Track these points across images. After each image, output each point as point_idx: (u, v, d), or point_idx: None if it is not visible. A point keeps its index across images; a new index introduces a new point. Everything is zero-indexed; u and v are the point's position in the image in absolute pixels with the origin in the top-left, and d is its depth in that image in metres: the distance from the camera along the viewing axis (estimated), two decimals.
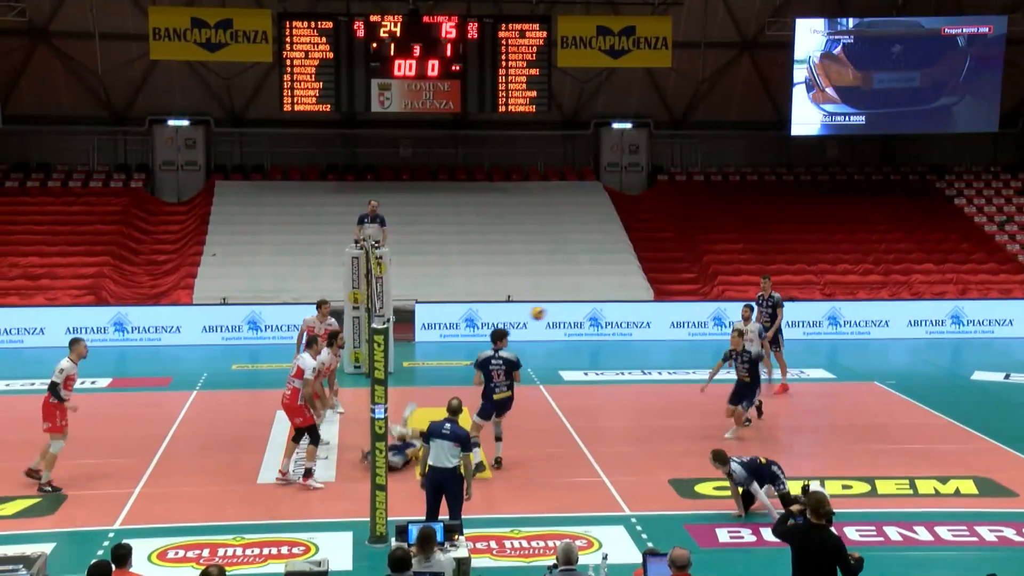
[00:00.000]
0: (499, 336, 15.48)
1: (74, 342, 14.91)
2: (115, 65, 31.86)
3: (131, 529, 12.73)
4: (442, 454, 11.98)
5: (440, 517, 11.76)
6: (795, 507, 9.90)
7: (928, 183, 34.95)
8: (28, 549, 10.59)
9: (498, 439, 15.31)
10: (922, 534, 12.81)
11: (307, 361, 14.67)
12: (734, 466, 13.30)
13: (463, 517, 11.82)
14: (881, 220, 32.41)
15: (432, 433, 12.13)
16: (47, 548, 11.30)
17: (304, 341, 16.08)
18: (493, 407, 15.12)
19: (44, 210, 30.82)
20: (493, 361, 15.12)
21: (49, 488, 14.22)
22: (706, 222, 32.01)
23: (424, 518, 11.65)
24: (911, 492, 14.45)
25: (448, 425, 12.12)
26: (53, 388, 14.49)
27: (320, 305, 18.72)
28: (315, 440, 14.64)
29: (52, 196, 31.67)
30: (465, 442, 12.08)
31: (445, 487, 11.99)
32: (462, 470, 12.03)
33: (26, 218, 30.43)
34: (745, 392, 16.80)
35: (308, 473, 14.48)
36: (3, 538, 12.16)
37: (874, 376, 22.17)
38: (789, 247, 30.89)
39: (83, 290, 27.20)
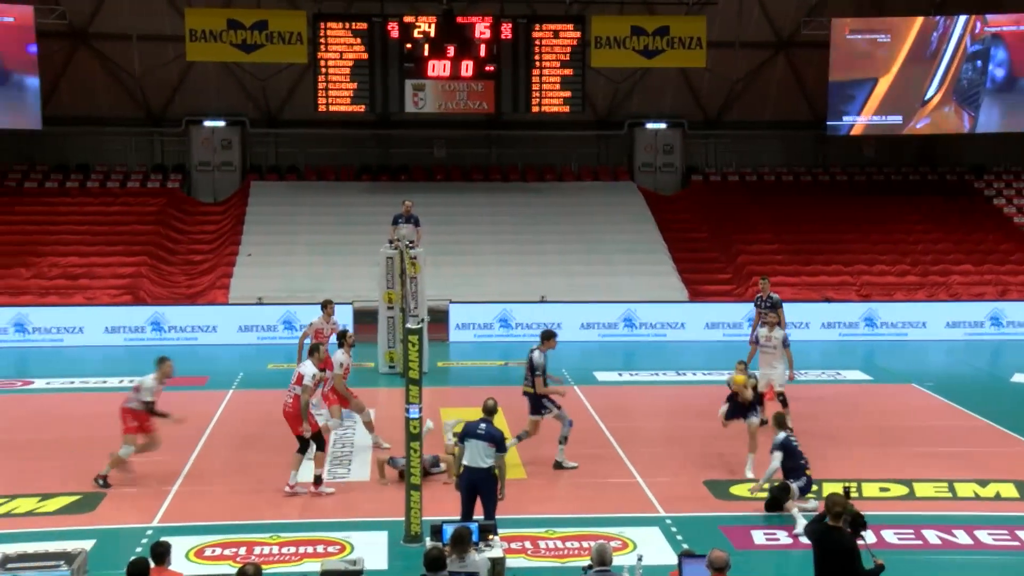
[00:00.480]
0: (547, 336, 15.55)
1: (161, 361, 15.00)
2: (152, 66, 32.16)
3: (169, 527, 12.83)
4: (477, 454, 11.99)
5: (475, 517, 11.77)
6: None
7: (967, 183, 34.62)
8: (69, 546, 10.69)
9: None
10: (961, 538, 12.69)
11: (308, 368, 14.35)
12: (782, 434, 13.42)
13: (497, 517, 11.83)
14: (919, 220, 32.14)
15: (467, 433, 12.14)
16: (87, 545, 11.41)
17: (308, 345, 15.85)
18: None
19: (83, 210, 31.16)
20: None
21: (101, 482, 14.43)
22: (741, 222, 31.87)
23: (459, 518, 11.67)
24: (950, 495, 14.31)
25: (483, 425, 12.13)
26: (148, 407, 14.65)
27: (325, 305, 18.57)
28: (322, 445, 14.37)
29: (91, 196, 32.00)
30: (500, 443, 12.08)
31: (479, 487, 12.00)
32: (496, 471, 12.03)
33: (65, 218, 30.77)
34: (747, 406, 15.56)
35: (318, 480, 14.22)
36: (45, 535, 12.31)
37: (912, 378, 21.98)
38: (825, 247, 30.69)
39: (121, 289, 27.47)
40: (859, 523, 9.56)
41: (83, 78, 32.72)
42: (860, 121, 31.85)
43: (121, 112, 33.31)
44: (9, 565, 9.53)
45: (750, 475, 14.82)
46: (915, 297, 28.37)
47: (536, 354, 15.45)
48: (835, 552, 9.28)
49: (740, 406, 15.29)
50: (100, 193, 32.29)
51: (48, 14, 30.17)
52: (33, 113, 29.97)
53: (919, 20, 31.38)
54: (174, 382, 21.08)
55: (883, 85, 31.51)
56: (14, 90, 29.72)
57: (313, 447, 14.31)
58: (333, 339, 17.95)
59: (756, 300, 20.18)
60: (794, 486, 13.33)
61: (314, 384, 14.57)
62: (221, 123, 33.65)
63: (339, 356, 16.24)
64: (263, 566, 9.54)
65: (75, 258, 28.77)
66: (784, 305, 20.04)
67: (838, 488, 10.08)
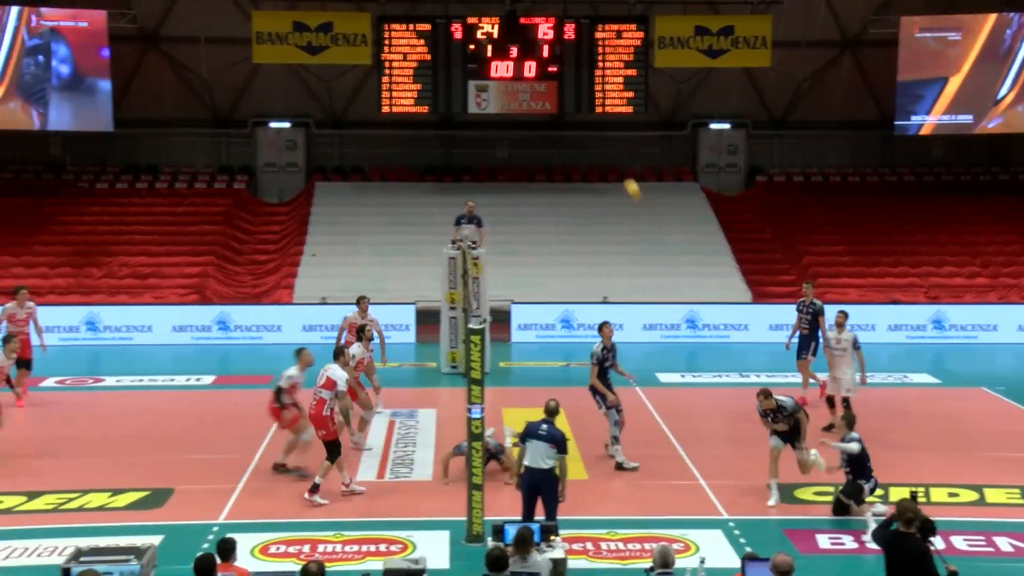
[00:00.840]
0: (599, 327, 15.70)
1: (299, 352, 15.19)
2: (219, 69, 32.61)
3: (235, 524, 13.01)
4: (538, 455, 11.96)
5: (536, 518, 11.77)
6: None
7: None
8: (139, 540, 10.89)
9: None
10: None
11: (338, 373, 14.25)
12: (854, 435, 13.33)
13: (559, 518, 11.82)
14: (989, 221, 31.51)
15: (528, 434, 12.12)
16: (156, 540, 11.61)
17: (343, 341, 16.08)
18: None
19: (152, 211, 31.68)
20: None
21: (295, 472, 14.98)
22: (805, 223, 31.52)
23: (520, 518, 11.68)
24: (1023, 502, 14.03)
25: (544, 426, 12.10)
26: (277, 392, 14.94)
27: (359, 301, 18.70)
28: (333, 457, 14.03)
29: (159, 197, 32.54)
30: (561, 444, 12.05)
31: (540, 488, 11.98)
32: (557, 471, 12.01)
33: (135, 219, 31.32)
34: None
35: (315, 488, 13.90)
36: (115, 529, 12.54)
37: (982, 381, 21.58)
38: (892, 249, 30.22)
39: (188, 289, 27.89)
40: (928, 529, 9.40)
41: (153, 81, 33.29)
42: (929, 121, 31.33)
43: (189, 114, 33.84)
44: (82, 559, 9.72)
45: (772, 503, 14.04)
46: (985, 299, 27.83)
47: (595, 345, 15.59)
48: (908, 559, 9.11)
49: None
50: (168, 194, 32.82)
51: (120, 18, 30.78)
52: (105, 115, 30.61)
53: (992, 17, 30.77)
54: (241, 380, 21.47)
55: (953, 84, 30.93)
56: (87, 93, 30.37)
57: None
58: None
59: (798, 305, 19.86)
60: (866, 487, 13.18)
61: (348, 389, 14.64)
62: (286, 124, 34.04)
63: (355, 349, 16.34)
64: (326, 564, 9.62)
65: (144, 258, 29.27)
66: (849, 307, 19.78)
67: (905, 493, 9.95)
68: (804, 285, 20.24)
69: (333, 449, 14.06)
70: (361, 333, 16.91)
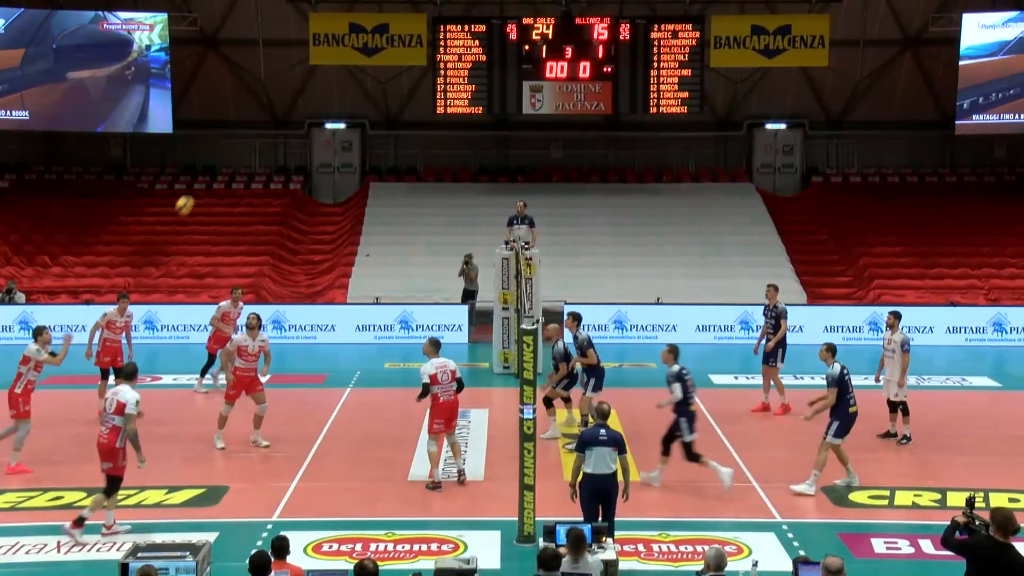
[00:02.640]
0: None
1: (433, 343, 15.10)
2: (277, 70, 32.98)
3: (288, 521, 13.13)
4: (601, 461, 11.81)
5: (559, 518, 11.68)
6: (959, 518, 9.44)
7: None
8: (194, 537, 11.03)
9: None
10: None
11: (128, 394, 12.61)
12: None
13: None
14: None
15: (588, 442, 11.88)
16: (211, 537, 11.74)
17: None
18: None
19: (210, 211, 32.07)
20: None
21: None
22: (862, 224, 31.15)
23: (573, 519, 11.62)
24: None
25: (603, 431, 11.98)
26: (424, 388, 14.78)
27: (232, 291, 20.07)
28: (111, 491, 12.55)
29: (217, 197, 32.95)
30: (622, 445, 11.96)
31: (607, 493, 11.83)
32: (620, 476, 11.93)
33: (193, 219, 31.60)
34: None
35: (80, 522, 12.38)
36: (171, 526, 12.72)
37: None
38: (951, 250, 29.78)
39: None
40: (973, 530, 9.16)
41: (212, 83, 33.75)
42: (991, 120, 30.81)
43: (247, 115, 34.25)
44: (140, 554, 9.87)
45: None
46: None
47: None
48: (1010, 573, 8.50)
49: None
50: (225, 194, 33.22)
51: (181, 21, 31.24)
52: (165, 117, 31.08)
53: None
54: (295, 380, 21.65)
55: (1016, 82, 30.42)
56: (148, 95, 30.89)
57: None
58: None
59: (763, 309, 19.47)
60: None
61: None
62: (342, 125, 34.31)
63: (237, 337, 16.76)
64: (378, 562, 9.67)
65: (201, 258, 29.65)
66: (906, 309, 19.43)
67: (963, 497, 9.71)
68: (769, 287, 19.53)
69: (115, 485, 12.62)
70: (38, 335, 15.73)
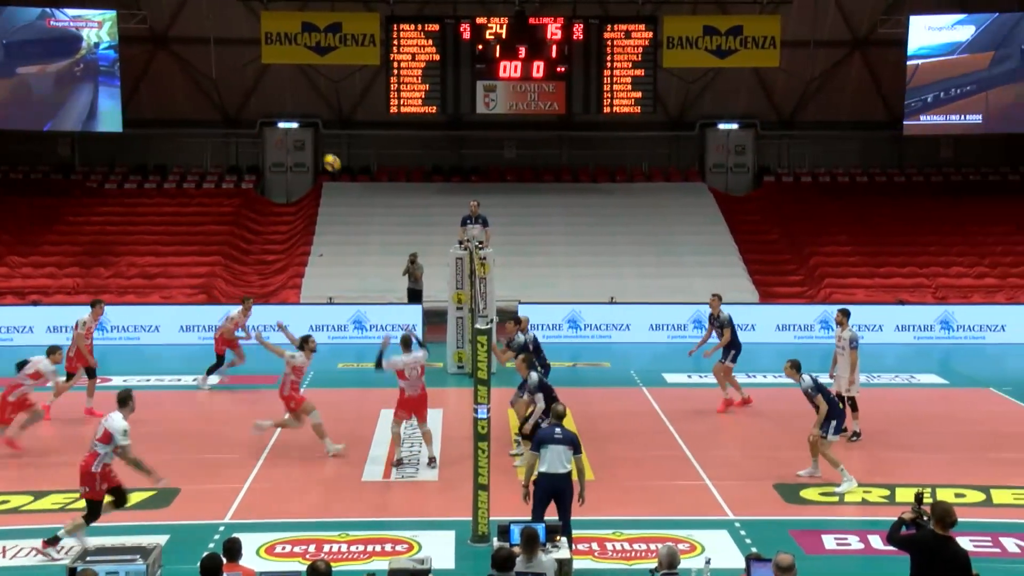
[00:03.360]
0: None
1: (305, 339, 16.44)
2: (228, 69, 32.69)
3: (241, 523, 13.03)
4: (556, 460, 11.78)
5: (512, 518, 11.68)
6: (906, 515, 9.58)
7: None
8: (144, 540, 10.91)
9: None
10: None
11: (116, 423, 12.04)
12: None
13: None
14: (998, 221, 31.42)
15: (543, 440, 11.87)
16: (162, 540, 11.62)
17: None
18: None
19: (160, 211, 31.78)
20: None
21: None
22: (814, 223, 31.47)
23: (527, 519, 11.62)
24: None
25: (558, 430, 11.99)
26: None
27: (244, 300, 20.67)
28: (91, 518, 11.98)
29: (168, 197, 32.63)
30: (577, 445, 11.98)
31: (560, 493, 11.80)
32: (575, 475, 11.93)
33: (143, 219, 31.41)
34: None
35: (54, 541, 11.94)
36: (121, 529, 12.55)
37: (990, 382, 21.53)
38: (900, 249, 30.17)
39: (196, 289, 27.95)
40: (921, 526, 9.30)
41: (162, 81, 33.40)
42: (937, 121, 31.25)
43: (198, 114, 33.93)
44: (88, 558, 9.75)
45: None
46: (993, 300, 27.76)
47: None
48: (952, 565, 8.64)
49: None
50: (177, 194, 32.91)
51: (130, 19, 30.88)
52: (114, 115, 30.70)
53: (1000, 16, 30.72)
54: (248, 380, 21.49)
55: (962, 83, 30.88)
56: (97, 93, 30.49)
57: None
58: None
59: (709, 318, 19.63)
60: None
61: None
62: (294, 125, 34.11)
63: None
64: (332, 563, 9.62)
65: (152, 258, 29.35)
66: (856, 307, 19.65)
67: (911, 493, 9.85)
68: (711, 296, 19.63)
69: (94, 510, 12.07)
70: (305, 343, 16.60)
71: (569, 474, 11.85)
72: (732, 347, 19.04)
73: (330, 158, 20.31)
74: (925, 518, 9.12)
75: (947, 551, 8.71)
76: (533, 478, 11.94)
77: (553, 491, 11.81)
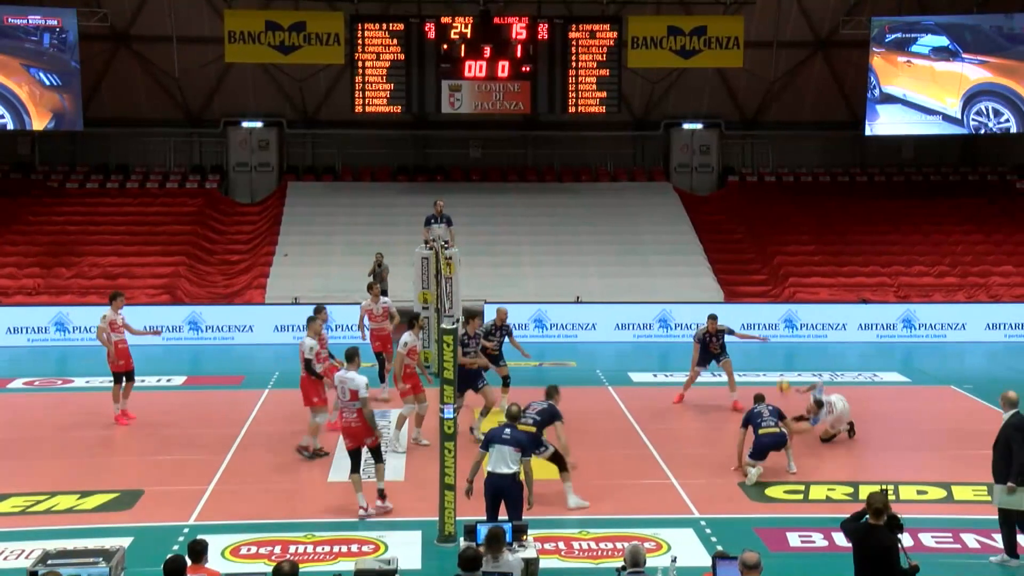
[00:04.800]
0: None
1: (310, 320, 16.20)
2: (191, 68, 32.44)
3: (205, 525, 12.94)
4: (501, 460, 11.85)
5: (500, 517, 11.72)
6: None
7: (1009, 184, 34.21)
8: (107, 543, 10.80)
9: None
10: (1001, 542, 12.52)
11: (357, 380, 13.40)
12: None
13: (532, 517, 11.79)
14: (959, 221, 31.79)
15: (492, 439, 11.98)
16: (125, 542, 11.53)
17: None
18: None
19: (122, 211, 31.49)
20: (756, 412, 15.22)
21: (307, 453, 15.66)
22: (777, 223, 31.68)
23: (502, 518, 11.63)
24: (990, 499, 14.11)
25: (508, 431, 11.99)
26: (307, 365, 15.53)
27: (370, 288, 19.55)
28: (380, 458, 13.72)
29: (130, 197, 32.34)
30: (526, 447, 11.97)
31: (504, 494, 11.84)
32: (522, 476, 11.94)
33: (105, 219, 31.10)
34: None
35: (382, 494, 13.62)
36: (83, 531, 12.44)
37: (950, 380, 21.77)
38: (862, 249, 30.42)
39: (159, 289, 27.72)
40: (895, 526, 9.49)
41: (124, 80, 33.08)
42: (899, 121, 31.54)
43: (160, 113, 33.65)
44: (49, 561, 9.64)
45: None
46: (954, 299, 28.07)
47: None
48: (875, 551, 9.29)
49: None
50: (139, 194, 32.62)
51: (91, 17, 30.56)
52: (75, 114, 30.38)
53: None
54: (212, 381, 21.37)
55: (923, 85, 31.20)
56: (57, 92, 30.13)
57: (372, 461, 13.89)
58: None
59: (706, 336, 19.55)
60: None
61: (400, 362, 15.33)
62: (259, 124, 33.90)
63: (406, 336, 16.28)
64: (298, 564, 9.58)
65: (114, 258, 29.07)
66: (820, 306, 19.80)
67: (874, 490, 9.98)
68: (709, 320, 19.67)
69: (377, 453, 13.54)
70: (414, 321, 16.70)
71: (514, 475, 11.81)
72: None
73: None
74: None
75: (872, 538, 9.36)
76: (478, 475, 11.99)
77: (496, 491, 11.83)
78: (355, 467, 13.51)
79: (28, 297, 27.00)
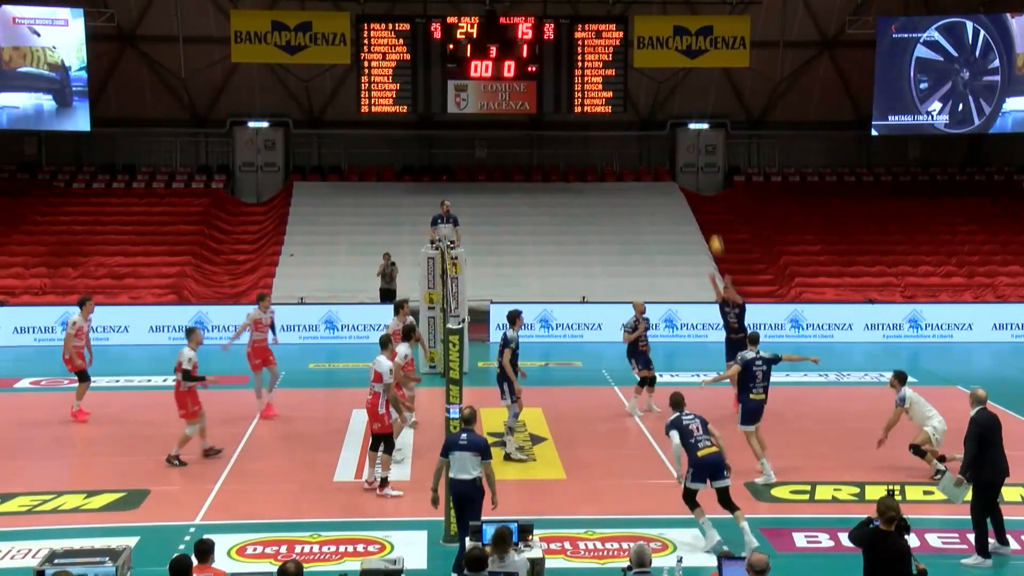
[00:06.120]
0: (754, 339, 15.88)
1: (190, 331, 15.92)
2: (197, 68, 32.50)
3: (211, 525, 12.95)
4: (462, 466, 11.72)
5: (484, 518, 11.62)
6: (874, 514, 9.71)
7: (1015, 184, 34.15)
8: (114, 542, 10.82)
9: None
10: (1011, 543, 12.49)
11: (383, 364, 14.27)
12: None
13: (538, 518, 11.77)
14: (965, 221, 31.74)
15: (450, 446, 11.85)
16: (131, 542, 11.53)
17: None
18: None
19: (129, 211, 31.54)
20: (756, 363, 15.19)
21: (177, 462, 15.32)
22: (783, 223, 31.65)
23: (499, 518, 11.58)
24: (998, 500, 14.08)
25: (464, 436, 11.85)
26: (185, 375, 15.35)
27: (399, 307, 18.18)
28: (389, 449, 14.28)
29: (136, 197, 32.39)
30: (485, 450, 11.82)
31: (467, 498, 11.73)
32: (483, 480, 11.79)
33: (112, 219, 31.15)
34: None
35: (384, 483, 14.21)
36: (90, 531, 12.46)
37: (957, 380, 21.68)
38: (869, 248, 30.39)
39: (165, 289, 27.76)
40: (903, 528, 9.45)
41: (130, 80, 33.15)
42: (906, 121, 31.50)
43: (167, 113, 33.71)
44: (56, 561, 9.66)
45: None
46: (961, 299, 28.03)
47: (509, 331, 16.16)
48: (889, 558, 9.12)
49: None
50: (145, 194, 32.67)
51: (98, 17, 30.62)
52: (82, 114, 30.42)
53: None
54: (218, 380, 21.35)
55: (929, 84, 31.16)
56: (65, 92, 30.18)
57: (382, 447, 14.21)
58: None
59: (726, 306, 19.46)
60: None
61: (394, 379, 14.52)
62: (265, 124, 33.94)
63: (402, 348, 15.74)
64: (303, 564, 9.59)
65: (121, 258, 29.12)
66: (826, 306, 19.73)
67: (881, 491, 9.98)
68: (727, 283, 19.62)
69: (388, 442, 14.22)
70: (411, 334, 16.33)
71: (475, 480, 11.68)
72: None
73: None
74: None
75: (886, 544, 9.17)
76: (442, 481, 11.91)
77: (460, 496, 11.78)
78: (373, 445, 14.43)
79: (34, 297, 27.04)
